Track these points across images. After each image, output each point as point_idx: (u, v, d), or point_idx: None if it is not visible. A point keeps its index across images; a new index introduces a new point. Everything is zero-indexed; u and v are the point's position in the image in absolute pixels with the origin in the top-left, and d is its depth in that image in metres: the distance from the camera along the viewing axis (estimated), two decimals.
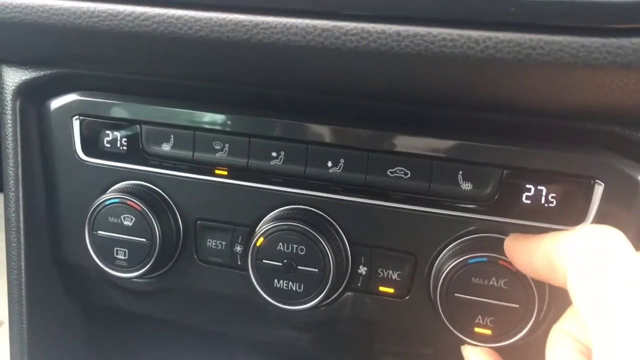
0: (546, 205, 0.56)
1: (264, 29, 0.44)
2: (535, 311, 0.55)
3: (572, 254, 0.41)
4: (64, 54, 0.58)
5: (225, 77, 0.55)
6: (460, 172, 0.58)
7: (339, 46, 0.43)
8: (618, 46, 0.38)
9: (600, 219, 0.55)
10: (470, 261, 0.56)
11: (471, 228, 0.58)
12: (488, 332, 0.56)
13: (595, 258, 0.40)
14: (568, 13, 0.38)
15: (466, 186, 0.58)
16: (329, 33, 0.43)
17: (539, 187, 0.56)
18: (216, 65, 0.50)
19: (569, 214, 0.56)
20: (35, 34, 0.51)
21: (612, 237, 0.41)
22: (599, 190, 0.55)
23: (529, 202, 0.57)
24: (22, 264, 0.69)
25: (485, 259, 0.56)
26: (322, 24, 0.43)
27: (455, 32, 0.41)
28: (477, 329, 0.57)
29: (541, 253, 0.46)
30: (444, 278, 0.57)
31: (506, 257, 0.54)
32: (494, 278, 0.56)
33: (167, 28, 0.46)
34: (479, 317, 0.56)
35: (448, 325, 0.58)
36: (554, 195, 0.56)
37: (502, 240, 0.57)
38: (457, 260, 0.56)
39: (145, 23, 0.46)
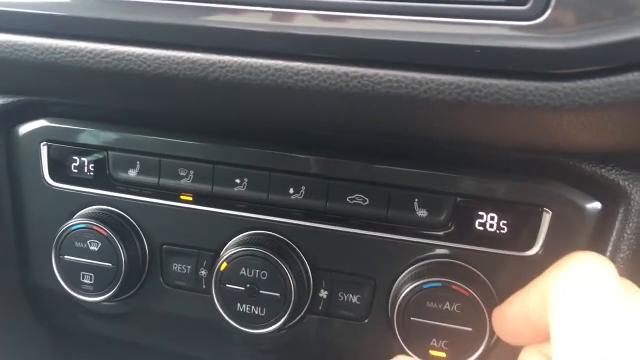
0: (497, 231, 0.58)
1: (220, 68, 0.46)
2: (487, 334, 0.57)
3: (559, 281, 0.41)
4: (29, 86, 0.59)
5: (185, 109, 0.57)
6: (416, 200, 0.60)
7: (291, 85, 0.45)
8: (551, 89, 0.41)
9: (548, 244, 0.57)
10: (425, 286, 0.58)
11: (427, 253, 0.60)
12: (442, 354, 0.58)
13: (579, 292, 0.39)
14: (504, 58, 0.41)
15: (422, 213, 0.60)
16: (282, 72, 0.45)
17: (491, 214, 0.58)
18: (176, 98, 0.52)
19: (519, 240, 0.58)
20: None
21: (595, 266, 0.40)
22: (547, 217, 0.57)
23: (481, 228, 0.59)
24: None
25: (439, 283, 0.58)
26: (275, 64, 0.45)
27: (400, 74, 0.43)
28: (432, 352, 0.59)
29: (534, 291, 0.45)
30: (401, 302, 0.59)
31: (460, 283, 0.56)
32: (447, 302, 0.57)
33: (127, 65, 0.48)
34: (434, 340, 0.58)
35: (404, 347, 0.59)
36: (505, 222, 0.58)
37: (457, 265, 0.59)
38: (413, 285, 0.58)
39: (105, 60, 0.48)
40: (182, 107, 0.56)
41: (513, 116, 0.43)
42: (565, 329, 0.38)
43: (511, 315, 0.49)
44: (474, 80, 0.42)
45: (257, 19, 0.44)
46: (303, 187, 0.62)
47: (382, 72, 0.43)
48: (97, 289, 0.67)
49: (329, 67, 0.44)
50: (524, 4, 0.40)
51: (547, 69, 0.40)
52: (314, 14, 0.43)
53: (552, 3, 0.39)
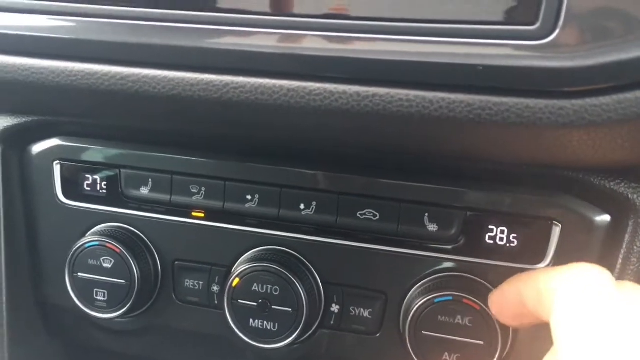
0: (507, 245, 0.59)
1: (234, 89, 0.47)
2: (499, 348, 0.57)
3: (559, 293, 0.42)
4: (44, 107, 0.60)
5: (199, 128, 0.58)
6: (427, 214, 0.60)
7: (304, 105, 0.46)
8: (560, 107, 0.41)
9: (558, 257, 0.58)
10: (437, 300, 0.58)
11: (438, 267, 0.61)
12: None
13: (579, 300, 0.41)
14: (514, 77, 0.41)
15: (432, 227, 0.60)
16: (294, 93, 0.46)
17: (501, 228, 0.59)
18: (190, 118, 0.53)
19: (529, 253, 0.59)
20: (15, 89, 0.53)
21: (598, 279, 0.42)
22: (556, 230, 0.57)
23: (491, 242, 0.59)
24: (4, 305, 0.70)
25: (450, 297, 0.58)
26: (288, 84, 0.46)
27: (411, 93, 0.44)
28: None
29: (532, 287, 0.47)
30: (412, 316, 0.59)
31: (471, 296, 0.57)
32: (459, 316, 0.58)
33: (141, 87, 0.49)
34: (446, 353, 0.59)
35: None
36: (515, 235, 0.59)
37: (467, 279, 0.59)
38: (424, 299, 0.59)
39: (121, 82, 0.49)
40: (195, 127, 0.57)
41: (523, 133, 0.44)
42: (569, 338, 0.39)
43: (506, 301, 0.52)
44: (484, 98, 0.42)
45: (271, 41, 0.45)
46: (314, 203, 0.63)
47: (393, 91, 0.44)
48: (110, 306, 0.67)
49: (341, 87, 0.45)
50: (532, 24, 0.41)
51: (556, 87, 0.41)
52: (325, 36, 0.44)
53: (561, 23, 0.40)
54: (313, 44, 0.44)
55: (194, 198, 0.66)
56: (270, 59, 0.46)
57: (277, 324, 0.63)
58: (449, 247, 0.60)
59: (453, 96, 0.43)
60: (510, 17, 0.41)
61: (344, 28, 0.44)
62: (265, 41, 0.46)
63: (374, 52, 0.43)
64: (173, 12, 0.46)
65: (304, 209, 0.63)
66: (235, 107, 0.48)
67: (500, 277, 0.59)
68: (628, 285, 0.46)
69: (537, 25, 0.41)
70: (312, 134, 0.52)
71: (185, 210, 0.67)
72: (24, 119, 0.67)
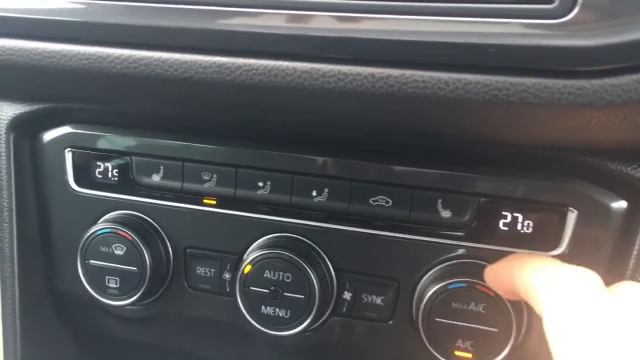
0: (522, 231, 0.58)
1: (246, 71, 0.46)
2: (513, 335, 0.57)
3: (549, 299, 0.43)
4: (56, 92, 0.60)
5: (212, 112, 0.57)
6: (440, 201, 0.60)
7: (317, 87, 0.45)
8: (578, 87, 0.41)
9: (574, 244, 0.57)
10: (450, 286, 0.58)
11: (451, 254, 0.60)
12: (468, 355, 0.58)
13: (570, 306, 0.41)
14: (531, 57, 0.41)
15: (445, 214, 0.60)
16: (308, 75, 0.45)
17: (515, 215, 0.58)
18: (203, 102, 0.53)
19: (544, 239, 0.58)
20: (28, 74, 0.53)
21: (589, 284, 0.42)
22: (572, 217, 0.57)
23: (506, 228, 0.59)
24: (16, 292, 0.70)
25: (464, 284, 0.58)
26: (301, 66, 0.45)
27: (426, 74, 0.43)
28: (457, 352, 0.58)
29: (523, 280, 0.48)
30: (425, 303, 0.59)
31: (484, 282, 0.56)
32: (473, 303, 0.57)
33: (154, 70, 0.48)
34: (459, 340, 0.58)
35: (430, 348, 0.59)
36: (529, 222, 0.58)
37: (481, 266, 0.59)
38: (438, 286, 0.58)
39: (133, 65, 0.49)
40: (208, 111, 0.56)
41: (540, 114, 0.43)
42: (564, 345, 0.40)
43: (500, 280, 0.53)
44: (500, 79, 0.42)
45: (283, 22, 0.45)
46: (326, 190, 0.62)
47: (408, 72, 0.43)
48: (122, 293, 0.67)
49: (355, 69, 0.44)
50: (550, 3, 0.40)
51: (575, 67, 0.40)
52: (338, 16, 0.44)
53: (579, 1, 0.39)
54: (325, 24, 0.44)
55: (205, 185, 0.66)
56: (282, 41, 0.45)
57: (289, 311, 0.63)
58: (462, 233, 0.60)
59: (469, 77, 0.42)
60: None
61: (356, 8, 0.43)
62: (277, 22, 0.45)
63: (388, 32, 0.43)
64: None
65: (316, 196, 0.63)
66: (248, 90, 0.47)
67: None
68: (625, 286, 0.46)
69: (555, 3, 0.40)
70: (326, 117, 0.52)
71: (196, 197, 0.66)
72: (35, 106, 0.67)
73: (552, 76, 0.41)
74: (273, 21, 0.45)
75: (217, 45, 0.47)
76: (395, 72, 0.44)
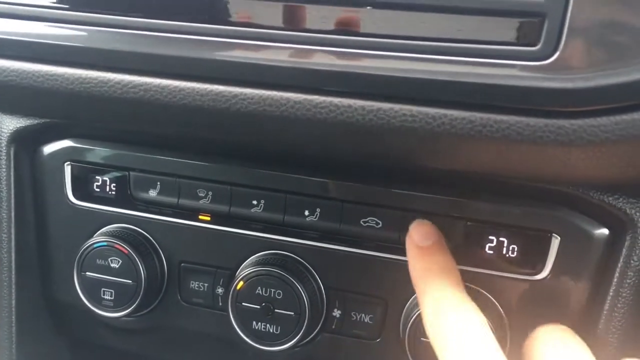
0: (507, 255, 0.60)
1: (242, 100, 0.48)
2: None
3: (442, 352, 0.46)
4: (57, 111, 0.62)
5: (207, 135, 0.59)
6: None
7: (310, 117, 0.47)
8: (559, 126, 0.43)
9: (557, 269, 0.59)
10: None
11: None
12: None
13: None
14: (515, 97, 0.43)
15: None
16: (301, 105, 0.47)
17: (501, 239, 0.60)
18: (199, 125, 0.54)
19: (528, 264, 0.60)
20: (31, 94, 0.55)
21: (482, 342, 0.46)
22: (555, 242, 0.59)
23: (491, 252, 0.61)
24: (13, 302, 0.72)
25: None
26: (295, 97, 0.47)
27: (414, 109, 0.45)
28: None
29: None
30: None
31: None
32: None
33: (153, 96, 0.50)
34: None
35: None
36: (514, 246, 0.60)
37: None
38: None
39: (133, 90, 0.50)
40: (203, 133, 0.58)
41: (522, 150, 0.45)
42: None
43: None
44: (485, 116, 0.44)
45: (279, 54, 0.47)
46: (318, 210, 0.64)
47: (397, 106, 0.45)
48: (117, 305, 0.69)
49: (346, 101, 0.46)
50: (534, 45, 0.42)
51: (556, 107, 0.42)
52: (332, 51, 0.46)
53: (561, 46, 0.41)
54: (320, 58, 0.46)
55: (200, 202, 0.67)
56: (278, 72, 0.47)
57: (279, 327, 0.64)
58: None
59: (455, 113, 0.44)
60: (513, 37, 0.42)
61: (350, 44, 0.45)
62: (273, 55, 0.47)
63: (380, 68, 0.44)
64: (185, 25, 0.48)
65: (308, 215, 0.64)
66: (243, 118, 0.49)
67: (499, 286, 0.60)
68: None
69: (539, 46, 0.42)
70: (317, 144, 0.53)
71: (192, 213, 0.68)
72: (36, 121, 0.68)
73: (534, 115, 0.43)
74: (269, 54, 0.47)
75: (214, 74, 0.48)
76: (385, 105, 0.45)
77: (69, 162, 0.71)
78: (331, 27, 0.45)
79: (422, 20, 0.44)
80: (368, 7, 0.43)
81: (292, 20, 0.47)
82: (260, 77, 0.47)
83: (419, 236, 0.55)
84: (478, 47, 0.42)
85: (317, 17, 0.46)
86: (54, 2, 0.51)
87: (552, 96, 0.42)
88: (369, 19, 0.44)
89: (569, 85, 0.41)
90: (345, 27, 0.44)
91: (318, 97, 0.47)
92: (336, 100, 0.46)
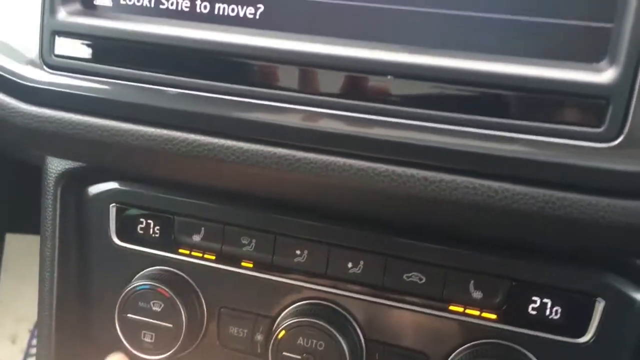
0: (550, 317, 0.61)
1: (305, 164, 0.49)
2: None
3: None
4: (115, 162, 0.63)
5: (262, 192, 0.60)
6: (472, 282, 0.62)
7: (371, 185, 0.48)
8: (622, 207, 0.43)
9: (600, 332, 0.59)
10: None
11: (480, 333, 0.63)
12: None
13: None
14: (579, 176, 0.44)
15: (477, 294, 0.62)
16: (363, 173, 0.48)
17: (545, 300, 0.61)
18: (257, 184, 0.55)
19: (571, 326, 0.60)
20: (95, 147, 0.56)
21: None
22: (599, 306, 0.59)
23: (535, 312, 0.61)
24: (52, 341, 0.73)
25: None
26: (358, 164, 0.48)
27: (477, 182, 0.46)
28: None
29: None
30: None
31: None
32: None
33: (216, 155, 0.51)
34: None
35: None
36: (558, 308, 0.60)
37: (509, 348, 0.61)
38: None
39: (197, 149, 0.51)
40: (259, 191, 0.59)
41: (581, 225, 0.46)
42: None
43: None
44: (547, 192, 0.45)
45: (341, 124, 0.48)
46: (361, 262, 0.65)
47: (460, 178, 0.46)
48: (157, 348, 0.70)
49: (409, 171, 0.47)
50: (598, 127, 0.43)
51: (619, 188, 0.43)
52: (400, 123, 0.47)
53: (627, 129, 0.42)
54: (383, 131, 0.47)
55: (244, 249, 0.68)
56: (339, 140, 0.48)
57: None
58: (492, 314, 0.62)
59: (518, 188, 0.45)
60: (578, 118, 0.44)
61: (416, 116, 0.46)
62: (333, 124, 0.48)
63: (446, 143, 0.46)
64: (253, 89, 0.49)
65: (351, 268, 0.65)
66: (304, 181, 0.50)
67: (542, 347, 0.61)
68: None
69: (603, 127, 0.43)
70: (373, 209, 0.54)
71: (234, 259, 0.69)
72: (84, 164, 0.70)
73: (598, 194, 0.44)
74: (333, 123, 0.48)
75: (279, 137, 0.50)
76: (447, 177, 0.46)
77: (114, 204, 0.72)
78: (406, 100, 0.47)
79: (486, 97, 0.45)
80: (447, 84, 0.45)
81: (353, 90, 0.48)
82: (326, 143, 0.48)
83: None
84: (545, 126, 0.44)
85: (387, 88, 0.47)
86: (122, 61, 0.52)
87: (615, 177, 0.43)
88: (444, 94, 0.46)
89: (632, 168, 0.42)
90: (423, 102, 0.46)
91: (380, 165, 0.48)
92: (399, 169, 0.47)
